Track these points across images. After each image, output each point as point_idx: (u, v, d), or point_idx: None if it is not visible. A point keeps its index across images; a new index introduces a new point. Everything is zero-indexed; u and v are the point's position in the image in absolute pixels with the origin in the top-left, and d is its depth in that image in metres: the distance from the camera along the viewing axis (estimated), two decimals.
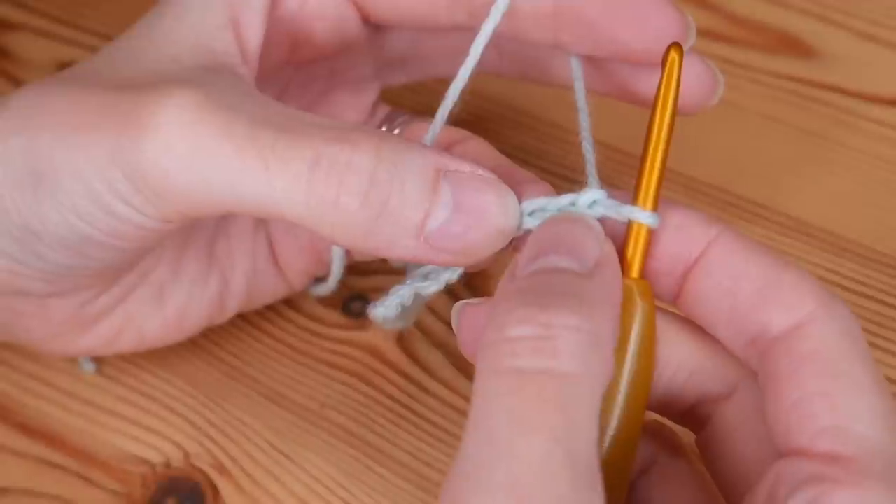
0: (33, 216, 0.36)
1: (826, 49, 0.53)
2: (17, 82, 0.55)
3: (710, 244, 0.33)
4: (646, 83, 0.40)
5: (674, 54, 0.34)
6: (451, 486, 0.28)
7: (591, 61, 0.41)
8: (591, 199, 0.34)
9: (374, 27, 0.42)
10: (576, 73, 0.40)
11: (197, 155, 0.34)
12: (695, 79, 0.39)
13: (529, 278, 0.32)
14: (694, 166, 0.49)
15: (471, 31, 0.39)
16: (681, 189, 0.49)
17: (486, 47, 0.38)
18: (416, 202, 0.33)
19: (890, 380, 0.43)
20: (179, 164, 0.34)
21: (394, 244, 0.34)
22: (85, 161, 0.35)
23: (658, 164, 0.34)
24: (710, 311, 0.33)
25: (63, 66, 0.56)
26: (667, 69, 0.34)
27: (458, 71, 0.37)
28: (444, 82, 0.39)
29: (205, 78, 0.36)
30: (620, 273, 0.33)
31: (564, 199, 0.34)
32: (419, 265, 0.38)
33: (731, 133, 0.51)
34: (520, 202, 0.34)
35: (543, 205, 0.34)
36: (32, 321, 0.40)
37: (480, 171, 0.34)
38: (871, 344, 0.43)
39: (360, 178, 0.33)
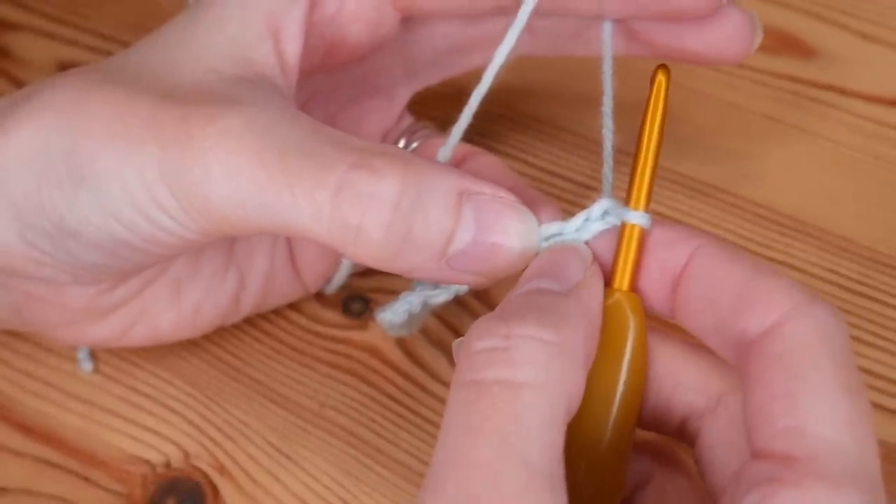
0: (72, 216, 0.36)
1: (826, 49, 0.53)
2: (17, 82, 0.55)
3: (691, 255, 0.33)
4: (693, 38, 0.40)
5: (661, 77, 0.34)
6: (419, 494, 0.29)
7: (624, 26, 0.41)
8: (602, 210, 0.34)
9: (406, 26, 0.42)
10: (606, 57, 0.40)
11: (235, 182, 0.34)
12: (732, 29, 0.39)
13: (512, 300, 0.32)
14: (694, 166, 0.49)
15: (516, 13, 0.38)
16: (681, 189, 0.49)
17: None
18: (439, 227, 0.34)
19: (890, 379, 0.43)
20: (220, 190, 0.34)
21: (416, 268, 0.34)
22: (132, 174, 0.35)
23: (648, 171, 0.34)
24: (698, 320, 0.33)
25: (63, 66, 0.56)
26: (654, 91, 0.34)
27: (476, 85, 0.38)
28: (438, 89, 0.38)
29: (244, 94, 0.36)
30: (602, 293, 0.33)
31: (578, 219, 0.35)
32: None
33: (731, 133, 0.51)
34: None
35: (559, 229, 0.35)
36: (47, 307, 0.40)
37: (502, 194, 0.34)
38: (871, 344, 0.44)
39: (383, 209, 0.33)
